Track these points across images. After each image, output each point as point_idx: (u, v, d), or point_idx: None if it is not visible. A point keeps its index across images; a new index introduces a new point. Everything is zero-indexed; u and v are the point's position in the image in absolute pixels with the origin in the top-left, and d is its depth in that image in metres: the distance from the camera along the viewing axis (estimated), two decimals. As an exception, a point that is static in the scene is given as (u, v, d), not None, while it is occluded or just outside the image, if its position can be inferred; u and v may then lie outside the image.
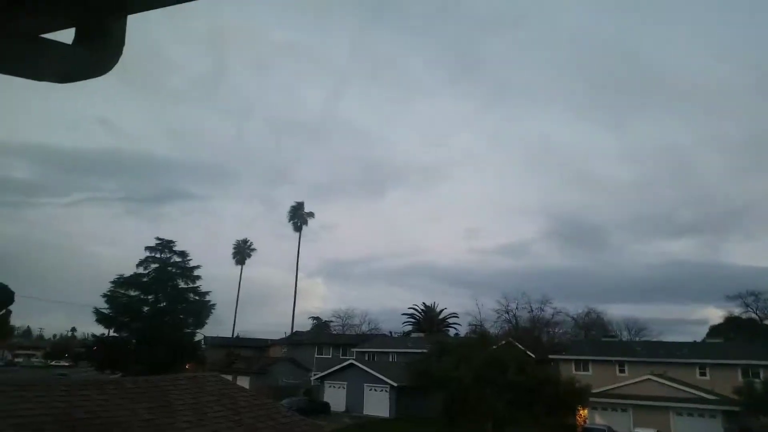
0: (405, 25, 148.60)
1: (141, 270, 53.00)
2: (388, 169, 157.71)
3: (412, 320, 77.79)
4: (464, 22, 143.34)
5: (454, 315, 75.23)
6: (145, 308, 52.56)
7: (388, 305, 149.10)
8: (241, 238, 76.10)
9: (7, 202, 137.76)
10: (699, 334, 73.88)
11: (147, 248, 53.03)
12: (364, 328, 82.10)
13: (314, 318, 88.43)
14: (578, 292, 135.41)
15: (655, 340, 62.20)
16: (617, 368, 44.13)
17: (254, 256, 74.56)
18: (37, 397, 7.69)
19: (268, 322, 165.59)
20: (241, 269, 73.48)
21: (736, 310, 69.57)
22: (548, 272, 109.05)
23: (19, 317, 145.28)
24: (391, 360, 55.77)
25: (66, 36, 1.45)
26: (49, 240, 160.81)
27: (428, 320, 73.75)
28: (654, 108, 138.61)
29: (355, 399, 47.74)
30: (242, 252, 73.77)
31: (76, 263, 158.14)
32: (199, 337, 58.27)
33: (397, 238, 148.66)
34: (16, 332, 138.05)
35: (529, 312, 70.35)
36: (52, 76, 1.48)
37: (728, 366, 41.10)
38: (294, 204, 74.98)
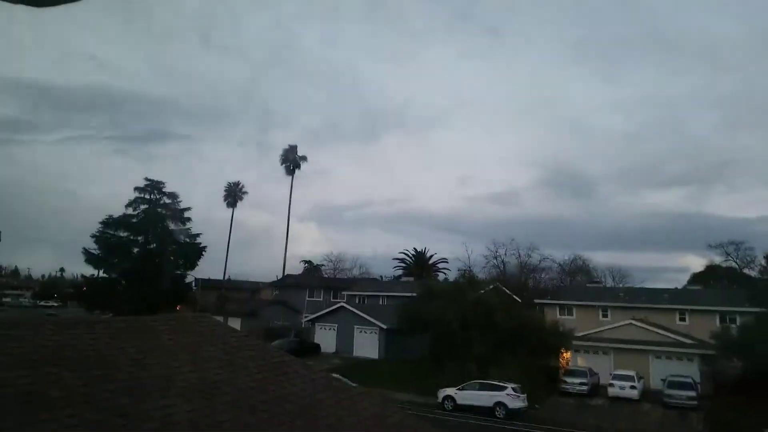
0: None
1: (130, 211, 52.79)
2: (383, 114, 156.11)
3: (403, 265, 78.57)
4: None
5: (444, 260, 76.62)
6: (135, 249, 52.82)
7: (379, 251, 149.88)
8: (232, 180, 74.95)
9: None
10: (680, 282, 75.67)
11: (136, 189, 52.43)
12: (356, 272, 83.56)
13: (306, 262, 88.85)
14: (565, 240, 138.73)
15: (637, 286, 63.51)
16: (600, 313, 45.07)
17: (246, 199, 73.19)
18: (24, 336, 7.56)
19: (259, 265, 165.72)
20: (233, 212, 72.88)
21: (717, 259, 70.85)
22: (537, 220, 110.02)
23: (7, 256, 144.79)
24: (381, 303, 56.27)
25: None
26: (37, 179, 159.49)
27: (418, 265, 74.45)
28: (647, 59, 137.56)
29: (345, 341, 48.55)
30: (234, 194, 72.95)
31: (65, 203, 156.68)
32: (190, 278, 58.86)
33: (391, 185, 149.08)
34: (3, 272, 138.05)
35: (517, 258, 71.49)
36: None
37: (706, 312, 42.04)
38: (287, 147, 74.09)
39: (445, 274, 74.76)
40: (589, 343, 39.88)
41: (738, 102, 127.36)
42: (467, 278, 46.80)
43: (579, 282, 68.77)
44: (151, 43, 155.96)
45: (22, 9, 1.46)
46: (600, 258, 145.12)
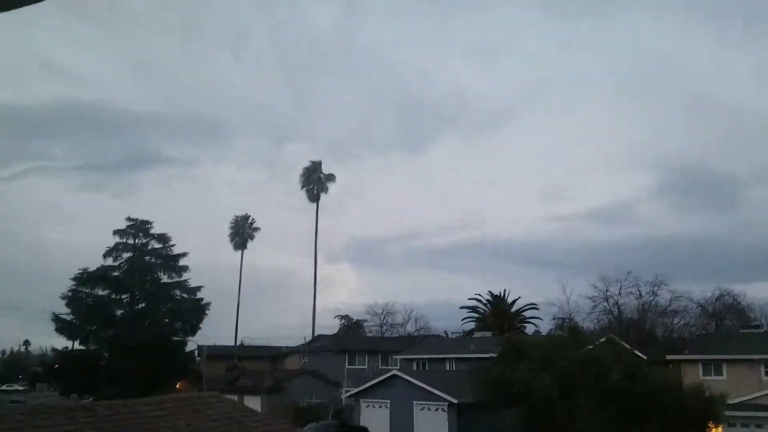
0: None
1: (110, 261, 54.66)
2: (433, 114, 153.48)
3: (475, 315, 77.01)
4: None
5: (532, 306, 73.84)
6: (119, 311, 54.31)
7: (440, 297, 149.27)
8: (239, 213, 75.88)
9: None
10: None
11: (116, 232, 53.25)
12: (410, 328, 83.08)
13: (342, 317, 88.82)
14: (706, 270, 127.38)
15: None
16: (763, 371, 43.43)
17: (258, 237, 75.47)
18: None
19: (281, 324, 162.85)
20: (242, 255, 73.92)
21: None
22: (662, 243, 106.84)
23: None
24: (448, 368, 55.78)
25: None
26: None
27: (497, 314, 72.45)
28: None
29: (401, 421, 47.72)
30: (242, 232, 74.10)
31: (26, 255, 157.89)
32: (191, 346, 61.43)
33: (448, 208, 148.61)
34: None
35: (636, 298, 68.50)
36: None
37: None
38: (308, 164, 74.74)
39: (535, 325, 73.14)
40: (749, 414, 38.38)
41: None
42: (568, 329, 45.44)
43: (729, 327, 65.87)
44: (126, 45, 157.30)
45: None
46: (757, 292, 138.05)
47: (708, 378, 43.04)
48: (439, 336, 74.55)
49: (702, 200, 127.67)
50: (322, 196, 75.03)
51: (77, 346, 54.78)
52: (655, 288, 67.56)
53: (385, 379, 49.85)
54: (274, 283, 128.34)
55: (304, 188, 75.44)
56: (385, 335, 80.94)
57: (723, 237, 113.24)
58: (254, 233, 75.29)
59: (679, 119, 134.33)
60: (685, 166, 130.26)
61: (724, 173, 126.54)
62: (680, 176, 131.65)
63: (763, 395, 39.33)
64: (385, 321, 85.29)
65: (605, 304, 66.44)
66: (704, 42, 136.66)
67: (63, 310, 52.74)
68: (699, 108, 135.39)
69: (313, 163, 75.74)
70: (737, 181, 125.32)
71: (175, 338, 55.01)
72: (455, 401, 44.80)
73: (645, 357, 45.54)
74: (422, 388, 46.94)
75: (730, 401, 37.40)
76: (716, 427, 37.93)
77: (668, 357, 48.36)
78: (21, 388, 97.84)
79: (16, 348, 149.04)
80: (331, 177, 75.66)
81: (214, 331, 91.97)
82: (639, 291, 67.79)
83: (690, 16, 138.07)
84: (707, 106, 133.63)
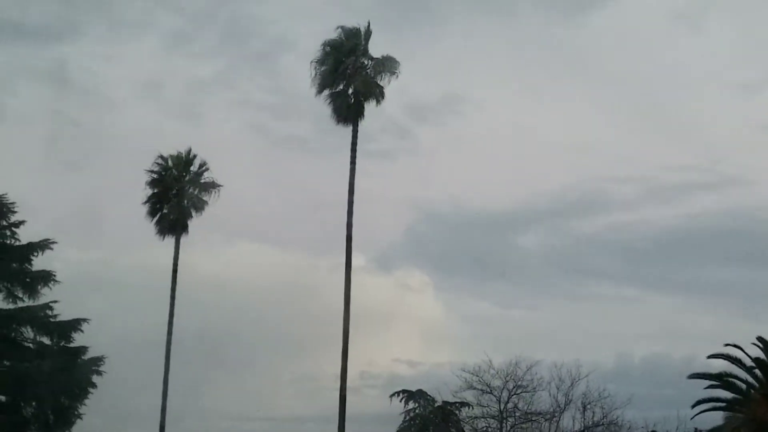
0: None
1: None
2: None
3: (726, 396, 34.48)
4: None
5: None
6: None
7: (636, 349, 71.74)
8: (170, 151, 35.09)
9: None
10: None
11: None
12: (569, 423, 36.30)
13: (406, 394, 44.22)
14: None
15: None
16: None
17: (214, 203, 35.03)
18: None
19: (266, 412, 63.67)
20: (176, 248, 33.81)
21: None
22: None
23: None
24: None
25: None
26: None
27: None
28: None
29: None
30: (177, 193, 34.17)
31: None
32: None
33: (654, 139, 70.23)
34: None
35: None
36: None
37: None
38: (335, 36, 32.32)
39: None
40: None
41: None
42: None
43: None
44: None
45: None
46: None
47: None
48: None
49: None
50: (368, 111, 32.32)
51: None
52: None
53: None
54: (251, 316, 56.36)
55: (325, 91, 32.59)
56: None
57: None
58: (204, 197, 34.76)
59: None
60: None
61: None
62: None
63: None
64: (510, 406, 38.56)
65: None
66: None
67: None
68: None
69: (346, 31, 32.61)
70: None
71: None
72: None
73: None
74: None
75: None
76: None
77: None
78: None
79: None
80: (388, 64, 32.29)
81: (113, 426, 40.38)
82: None
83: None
84: None
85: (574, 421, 39.43)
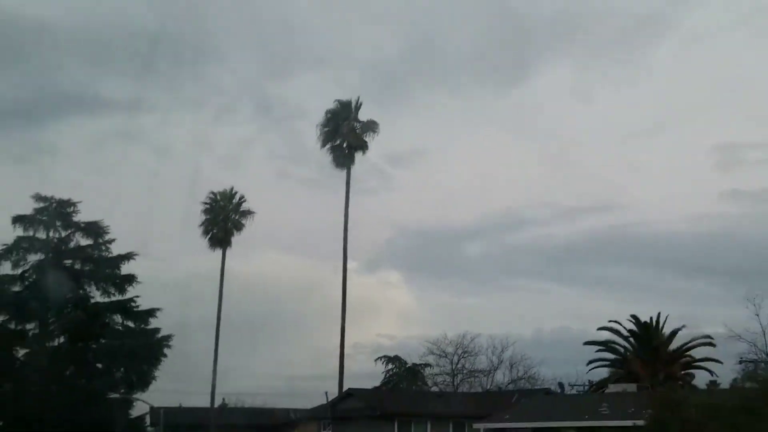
0: None
1: (7, 269, 37.29)
2: (532, 20, 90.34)
3: (609, 357, 48.40)
4: None
5: (706, 340, 44.18)
6: (21, 352, 37.34)
7: (550, 326, 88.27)
8: (218, 189, 47.16)
9: None
10: None
11: (17, 220, 37.19)
12: (501, 377, 53.45)
13: (386, 359, 56.17)
14: None
15: None
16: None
17: (249, 227, 46.61)
18: None
19: (287, 372, 77.28)
20: (223, 257, 44.42)
21: None
22: None
23: None
24: (564, 442, 38.19)
25: None
26: None
27: (647, 354, 44.60)
28: None
29: None
30: (224, 219, 44.90)
31: None
32: (140, 408, 40.29)
33: (561, 177, 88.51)
34: None
35: None
36: None
37: None
38: (334, 106, 44.49)
39: (709, 371, 44.53)
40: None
41: None
42: (762, 380, 29.43)
43: None
44: None
45: None
46: None
47: None
48: (549, 391, 48.03)
49: None
50: (358, 157, 44.77)
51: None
52: None
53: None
54: (276, 305, 71.83)
55: (327, 146, 44.96)
56: (460, 389, 52.71)
57: None
58: (243, 221, 46.26)
59: None
60: None
61: None
62: None
63: None
64: (459, 366, 54.70)
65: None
66: None
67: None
68: None
69: (340, 103, 44.85)
70: None
71: (113, 395, 37.07)
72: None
73: None
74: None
75: None
76: None
77: None
78: None
79: None
80: (371, 126, 44.70)
81: (179, 385, 52.06)
82: None
83: None
84: None
85: (504, 376, 55.62)
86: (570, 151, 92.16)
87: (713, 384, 39.34)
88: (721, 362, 44.31)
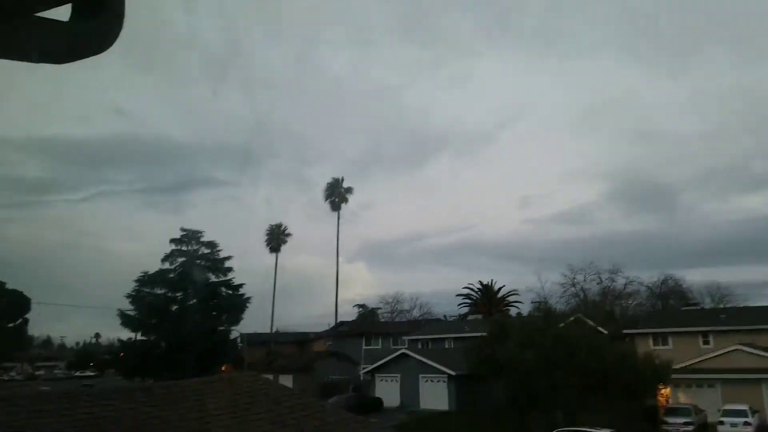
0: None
1: (167, 265, 54.70)
2: (430, 137, 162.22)
3: (468, 301, 78.77)
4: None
5: (514, 292, 75.53)
6: (174, 307, 54.39)
7: (439, 287, 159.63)
8: (274, 223, 78.26)
9: (18, 203, 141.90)
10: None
11: (172, 241, 54.71)
12: (416, 313, 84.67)
13: (359, 306, 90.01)
14: (652, 259, 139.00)
15: (741, 305, 62.47)
16: (701, 339, 44.22)
17: (290, 242, 78.52)
18: (58, 410, 7.66)
19: (309, 313, 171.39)
20: (276, 257, 76.04)
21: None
22: (616, 239, 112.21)
23: (38, 326, 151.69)
24: (447, 347, 56.30)
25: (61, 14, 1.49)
26: (66, 240, 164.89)
27: (486, 300, 74.55)
28: (718, 47, 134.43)
29: (410, 392, 48.54)
30: (276, 238, 76.47)
31: (96, 263, 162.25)
32: (235, 334, 61.15)
33: (445, 214, 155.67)
34: (34, 342, 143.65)
35: (598, 284, 71.51)
36: (49, 56, 1.52)
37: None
38: (330, 181, 77.27)
39: (517, 308, 74.11)
40: (691, 376, 39.26)
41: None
42: (543, 311, 45.54)
43: (673, 306, 67.67)
44: (171, 88, 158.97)
45: (41, 66, 1.54)
46: (694, 276, 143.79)
47: (658, 348, 43.76)
48: (439, 319, 75.50)
49: (645, 203, 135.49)
50: (342, 206, 77.84)
51: (140, 337, 53.82)
52: (613, 275, 70.97)
53: (395, 357, 50.70)
54: (303, 280, 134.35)
55: (328, 200, 77.85)
56: (396, 320, 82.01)
57: (664, 232, 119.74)
58: (286, 239, 77.95)
59: (623, 141, 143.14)
60: (629, 176, 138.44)
61: (660, 181, 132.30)
62: (626, 185, 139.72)
63: (702, 360, 40.13)
64: (395, 308, 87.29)
65: (573, 289, 70.88)
66: (638, 81, 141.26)
67: (128, 307, 52.38)
68: (638, 132, 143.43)
69: (335, 179, 78.29)
70: (672, 187, 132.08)
71: (222, 328, 55.35)
72: (454, 374, 45.89)
73: (606, 332, 46.21)
74: (427, 363, 48.02)
75: (676, 366, 38.39)
76: (665, 388, 38.85)
77: (625, 331, 49.13)
78: (92, 374, 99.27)
79: (88, 339, 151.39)
80: (349, 190, 78.16)
81: (254, 321, 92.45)
82: (600, 278, 71.34)
83: (628, 64, 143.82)
84: (644, 130, 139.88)
85: (417, 312, 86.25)
86: (448, 200, 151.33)
87: (518, 314, 63.61)
88: (522, 303, 72.87)
